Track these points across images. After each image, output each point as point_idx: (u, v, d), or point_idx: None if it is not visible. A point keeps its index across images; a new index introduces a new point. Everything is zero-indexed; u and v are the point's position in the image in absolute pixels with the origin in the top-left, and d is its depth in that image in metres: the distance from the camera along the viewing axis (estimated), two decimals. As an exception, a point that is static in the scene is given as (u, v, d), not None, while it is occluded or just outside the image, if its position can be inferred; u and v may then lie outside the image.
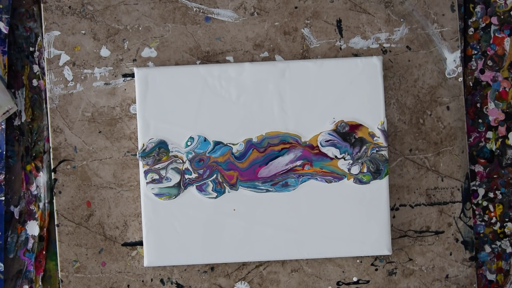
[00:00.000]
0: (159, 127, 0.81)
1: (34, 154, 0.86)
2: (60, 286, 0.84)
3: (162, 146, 0.81)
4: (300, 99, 0.81)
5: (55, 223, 0.84)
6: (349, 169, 0.81)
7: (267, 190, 0.81)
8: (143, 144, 0.81)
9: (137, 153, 0.81)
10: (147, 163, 0.81)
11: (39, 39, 0.86)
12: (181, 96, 0.81)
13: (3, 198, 0.85)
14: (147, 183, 0.81)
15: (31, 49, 0.86)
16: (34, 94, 0.86)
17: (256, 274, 0.84)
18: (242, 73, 0.81)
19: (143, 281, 0.84)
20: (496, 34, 0.87)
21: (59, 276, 0.84)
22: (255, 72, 0.81)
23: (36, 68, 0.86)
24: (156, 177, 0.81)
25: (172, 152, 0.81)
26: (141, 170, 0.81)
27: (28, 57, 0.86)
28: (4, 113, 0.84)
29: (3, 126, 0.85)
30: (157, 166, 0.81)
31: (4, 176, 0.85)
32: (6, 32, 0.85)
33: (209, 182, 0.81)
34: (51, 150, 0.83)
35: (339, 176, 0.81)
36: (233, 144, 0.81)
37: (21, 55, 0.86)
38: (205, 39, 0.84)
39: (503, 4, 0.87)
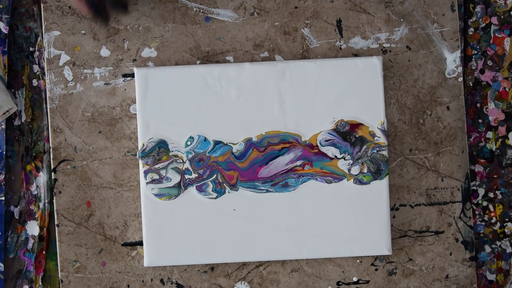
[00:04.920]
0: (159, 126, 0.81)
1: (34, 154, 0.86)
2: (60, 286, 0.84)
3: (162, 146, 0.81)
4: (300, 99, 0.81)
5: (55, 223, 0.84)
6: (349, 170, 0.81)
7: (267, 191, 0.81)
8: (143, 144, 0.81)
9: (137, 153, 0.81)
10: (146, 162, 0.81)
11: (39, 39, 0.86)
12: (181, 96, 0.81)
13: (3, 198, 0.85)
14: (147, 183, 0.81)
15: (31, 49, 0.86)
16: (34, 94, 0.86)
17: (256, 274, 0.84)
18: (242, 73, 0.81)
19: (143, 281, 0.84)
20: (496, 34, 0.87)
21: (59, 276, 0.84)
22: (255, 72, 0.81)
23: (36, 68, 0.86)
24: (156, 177, 0.81)
25: (172, 151, 0.81)
26: (141, 170, 0.81)
27: (28, 57, 0.86)
28: (4, 113, 0.84)
29: (3, 126, 0.85)
30: (157, 166, 0.81)
31: (4, 176, 0.85)
32: (6, 32, 0.85)
33: (209, 182, 0.81)
34: (51, 150, 0.83)
35: (339, 176, 0.81)
36: (233, 144, 0.81)
37: (21, 55, 0.86)
38: (205, 39, 0.84)
39: (503, 4, 0.87)
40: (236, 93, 0.81)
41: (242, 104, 0.81)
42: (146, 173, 0.81)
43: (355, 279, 0.85)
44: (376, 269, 0.85)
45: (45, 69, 0.84)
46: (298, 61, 0.81)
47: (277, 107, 0.81)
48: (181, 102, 0.81)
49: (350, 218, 0.81)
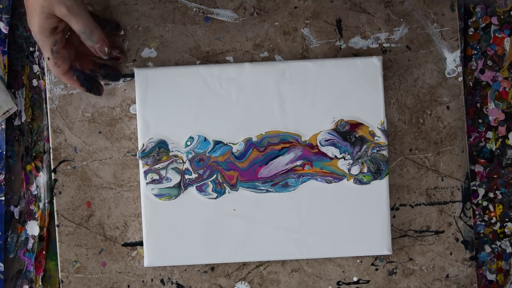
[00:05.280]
0: (159, 127, 0.81)
1: (34, 154, 0.86)
2: (61, 286, 0.84)
3: (162, 146, 0.81)
4: (300, 99, 0.81)
5: (55, 224, 0.84)
6: (349, 170, 0.81)
7: (267, 191, 0.81)
8: (143, 144, 0.81)
9: (137, 153, 0.81)
10: (146, 163, 0.81)
11: None
12: (181, 96, 0.81)
13: (3, 198, 0.85)
14: (147, 183, 0.81)
15: (31, 49, 0.86)
16: (34, 94, 0.86)
17: (256, 274, 0.84)
18: (242, 73, 0.81)
19: (143, 281, 0.84)
20: (496, 34, 0.87)
21: (60, 276, 0.84)
22: (255, 72, 0.81)
23: (36, 68, 0.86)
24: (156, 177, 0.81)
25: (172, 151, 0.81)
26: (141, 170, 0.81)
27: (28, 57, 0.86)
28: (4, 113, 0.84)
29: (3, 126, 0.85)
30: (157, 166, 0.81)
31: (4, 176, 0.85)
32: (6, 32, 0.85)
33: (209, 182, 0.81)
34: (51, 150, 0.83)
35: (339, 176, 0.81)
36: (233, 144, 0.81)
37: (21, 55, 0.86)
38: (205, 39, 0.84)
39: (503, 4, 0.87)
40: (236, 93, 0.81)
41: (242, 104, 0.81)
42: (146, 173, 0.81)
43: (355, 279, 0.85)
44: (376, 269, 0.85)
45: (45, 69, 0.84)
46: (298, 61, 0.81)
47: (277, 107, 0.81)
48: (181, 102, 0.81)
49: (350, 218, 0.81)
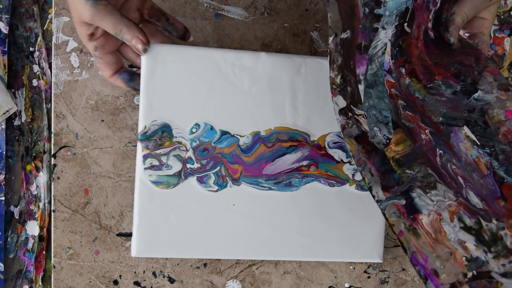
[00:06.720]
0: (163, 109, 0.75)
1: (34, 154, 0.86)
2: (52, 271, 0.83)
3: (165, 130, 0.76)
4: (313, 97, 0.80)
5: (52, 209, 0.83)
6: (353, 175, 0.81)
7: (270, 188, 0.80)
8: (145, 126, 0.75)
9: (138, 135, 0.78)
10: (147, 146, 0.75)
11: (39, 39, 0.86)
12: (191, 78, 0.76)
13: (3, 198, 0.85)
14: (145, 168, 0.76)
15: (31, 49, 0.86)
16: (34, 94, 0.86)
17: (249, 273, 0.84)
18: (257, 63, 0.78)
19: (135, 272, 0.83)
20: (496, 34, 0.88)
21: (52, 261, 0.83)
22: (270, 63, 0.78)
23: (36, 68, 0.86)
24: (156, 163, 0.76)
25: (175, 137, 0.76)
26: (139, 154, 0.75)
27: (28, 57, 0.86)
28: (4, 113, 0.84)
29: (3, 126, 0.85)
30: (158, 151, 0.76)
31: (4, 176, 0.85)
32: (6, 32, 0.85)
33: (211, 174, 0.78)
34: (52, 135, 0.83)
35: (342, 181, 0.81)
36: (240, 136, 0.78)
37: (21, 55, 0.86)
38: (214, 35, 0.85)
39: (503, 4, 0.88)
40: (248, 83, 0.78)
41: (254, 95, 0.78)
42: (145, 157, 0.76)
43: (347, 285, 0.85)
44: (369, 277, 0.85)
45: (52, 54, 0.84)
46: (316, 57, 0.79)
47: (289, 103, 0.79)
48: (190, 85, 0.76)
49: (347, 223, 0.81)
